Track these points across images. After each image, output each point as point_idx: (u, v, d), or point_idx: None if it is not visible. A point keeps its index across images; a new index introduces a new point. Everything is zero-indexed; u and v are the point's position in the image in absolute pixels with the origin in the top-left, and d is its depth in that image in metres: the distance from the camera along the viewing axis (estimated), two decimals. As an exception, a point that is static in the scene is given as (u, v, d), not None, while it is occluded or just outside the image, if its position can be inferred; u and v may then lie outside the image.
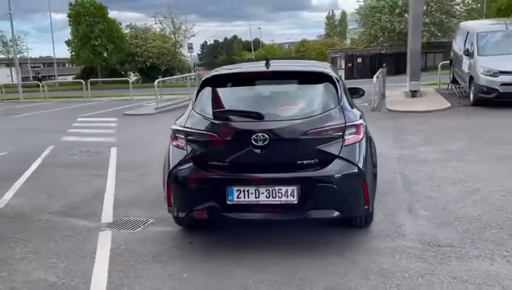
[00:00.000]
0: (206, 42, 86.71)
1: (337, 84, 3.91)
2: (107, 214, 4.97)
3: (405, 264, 3.43)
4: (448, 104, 11.92)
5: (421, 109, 11.56)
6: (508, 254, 3.52)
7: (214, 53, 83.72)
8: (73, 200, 5.54)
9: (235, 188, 3.60)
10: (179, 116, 4.23)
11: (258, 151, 3.57)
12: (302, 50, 54.29)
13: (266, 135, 3.53)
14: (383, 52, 35.45)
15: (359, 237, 3.99)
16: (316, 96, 3.89)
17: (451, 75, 14.53)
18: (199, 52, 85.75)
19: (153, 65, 36.51)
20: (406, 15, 31.41)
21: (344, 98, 3.87)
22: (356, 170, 3.57)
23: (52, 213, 5.11)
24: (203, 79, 4.15)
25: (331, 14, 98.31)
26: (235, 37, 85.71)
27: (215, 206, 3.68)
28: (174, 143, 3.90)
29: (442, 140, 7.90)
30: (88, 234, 4.43)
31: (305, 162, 3.58)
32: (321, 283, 3.21)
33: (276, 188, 3.54)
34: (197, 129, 3.78)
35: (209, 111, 3.88)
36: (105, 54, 35.28)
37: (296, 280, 3.28)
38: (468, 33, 12.64)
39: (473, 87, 11.46)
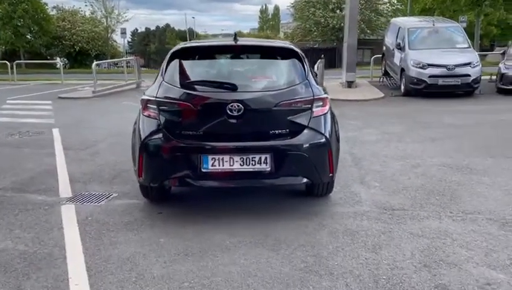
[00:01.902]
0: (137, 30, 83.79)
1: (303, 60, 4.15)
2: (65, 190, 4.84)
3: (366, 225, 3.76)
4: (382, 94, 12.75)
5: (358, 98, 12.25)
6: (452, 214, 3.98)
7: (145, 41, 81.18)
8: (23, 176, 5.31)
9: (210, 157, 3.71)
10: (147, 88, 4.25)
11: (232, 121, 3.70)
12: (236, 41, 54.26)
13: (241, 105, 3.67)
14: (315, 46, 36.62)
15: (322, 204, 4.28)
16: (284, 70, 4.09)
17: (383, 68, 15.47)
18: (129, 40, 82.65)
19: (83, 50, 34.65)
20: (338, 11, 32.76)
21: (310, 74, 4.11)
22: (323, 140, 3.84)
23: (3, 189, 4.87)
24: (172, 51, 4.18)
25: (264, 8, 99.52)
26: (167, 25, 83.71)
27: (190, 175, 3.77)
28: (145, 113, 3.92)
29: (380, 124, 8.50)
30: (49, 207, 4.31)
31: (277, 131, 3.78)
32: (295, 242, 3.44)
33: (250, 156, 3.71)
34: (170, 99, 3.83)
35: (181, 81, 3.93)
36: (29, 36, 32.97)
37: (271, 240, 3.48)
38: (399, 28, 13.55)
39: (404, 79, 12.35)
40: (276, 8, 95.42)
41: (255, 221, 3.87)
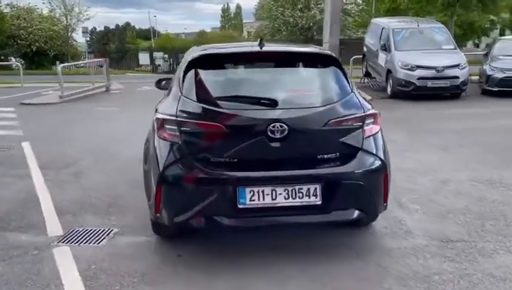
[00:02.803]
0: (95, 28, 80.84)
1: (343, 68, 3.54)
2: (53, 225, 4.01)
3: (434, 265, 3.18)
4: (369, 97, 12.28)
5: (345, 101, 11.77)
6: (520, 245, 3.48)
7: (104, 40, 78.44)
8: (-2, 208, 4.42)
9: (248, 189, 3.03)
10: (160, 102, 3.51)
11: (274, 144, 3.04)
12: (201, 41, 53.38)
13: (284, 126, 3.01)
14: (283, 46, 36.15)
15: (367, 235, 3.70)
16: (326, 81, 3.46)
17: (365, 69, 15.12)
18: (87, 39, 79.98)
19: (40, 50, 32.56)
20: (306, 11, 32.46)
21: (354, 85, 3.51)
22: (380, 163, 3.24)
23: (-26, 227, 3.98)
24: (190, 59, 3.47)
25: (226, 6, 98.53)
26: (127, 24, 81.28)
27: (222, 212, 3.07)
28: (163, 135, 3.18)
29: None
30: (38, 252, 3.48)
31: (325, 156, 3.15)
32: (363, 295, 2.81)
33: (297, 187, 3.05)
34: (195, 118, 3.11)
35: (206, 96, 3.22)
36: (-20, 35, 30.75)
37: (331, 293, 2.84)
38: (383, 29, 13.20)
39: (391, 81, 11.99)
40: (238, 7, 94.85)
41: (300, 262, 3.21)
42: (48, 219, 4.14)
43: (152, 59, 37.34)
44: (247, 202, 3.02)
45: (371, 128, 3.30)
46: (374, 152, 3.24)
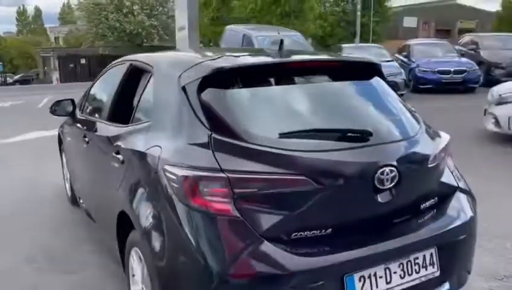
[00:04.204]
0: None
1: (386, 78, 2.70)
2: None
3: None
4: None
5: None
6: None
7: None
8: None
9: (357, 276, 1.94)
10: (158, 146, 2.11)
11: (382, 199, 2.02)
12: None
13: (395, 170, 2.02)
14: (106, 53, 33.26)
15: None
16: (390, 100, 2.53)
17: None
18: None
19: None
20: (130, 16, 30.36)
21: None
22: (473, 200, 2.51)
23: None
24: (204, 75, 2.12)
25: (22, 9, 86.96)
26: None
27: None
28: (204, 206, 1.83)
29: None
30: None
31: (427, 204, 2.26)
32: None
33: (412, 257, 2.10)
34: (261, 170, 1.86)
35: (264, 133, 1.97)
36: None
37: None
38: (244, 36, 12.86)
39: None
40: (38, 10, 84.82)
41: None
42: None
43: None
44: (358, 295, 1.93)
45: (450, 158, 2.54)
46: (466, 188, 2.50)
